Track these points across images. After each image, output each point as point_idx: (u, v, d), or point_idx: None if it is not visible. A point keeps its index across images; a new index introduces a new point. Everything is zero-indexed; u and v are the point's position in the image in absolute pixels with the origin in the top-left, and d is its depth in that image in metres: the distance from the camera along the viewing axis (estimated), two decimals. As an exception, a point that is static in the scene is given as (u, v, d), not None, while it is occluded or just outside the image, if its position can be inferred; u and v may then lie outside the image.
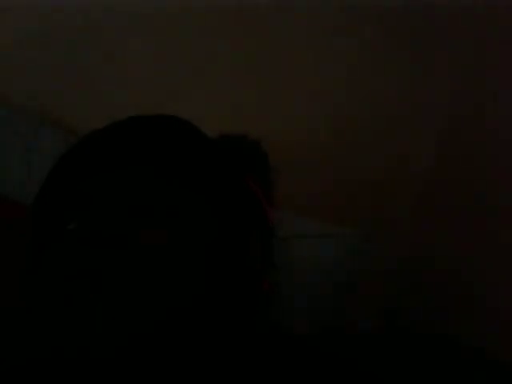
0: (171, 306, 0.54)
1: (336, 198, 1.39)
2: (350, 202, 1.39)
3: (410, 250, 1.45)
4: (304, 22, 1.40)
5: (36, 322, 0.58)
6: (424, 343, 1.27)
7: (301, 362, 0.71)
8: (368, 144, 1.43)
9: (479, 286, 1.34)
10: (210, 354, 0.57)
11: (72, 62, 1.31)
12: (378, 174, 1.43)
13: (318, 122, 1.40)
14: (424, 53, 1.44)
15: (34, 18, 1.28)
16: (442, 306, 1.39)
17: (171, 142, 0.61)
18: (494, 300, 1.30)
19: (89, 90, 1.32)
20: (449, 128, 1.46)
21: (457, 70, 1.43)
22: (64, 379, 0.56)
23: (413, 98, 1.45)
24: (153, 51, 1.35)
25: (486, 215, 1.35)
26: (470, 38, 1.40)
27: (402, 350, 1.20)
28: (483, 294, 1.32)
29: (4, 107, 1.25)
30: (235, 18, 1.35)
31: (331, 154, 1.41)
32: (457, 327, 1.34)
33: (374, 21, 1.40)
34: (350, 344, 1.06)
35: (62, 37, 1.30)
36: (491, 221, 1.34)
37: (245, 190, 0.64)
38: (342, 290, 1.17)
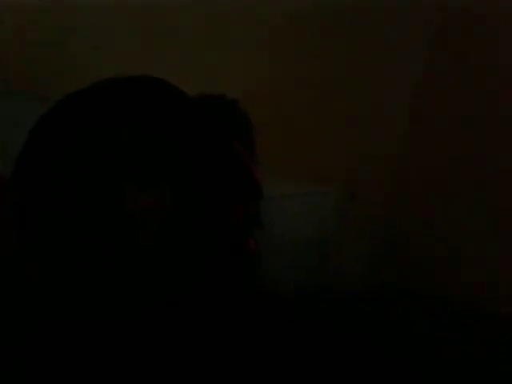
0: (156, 268, 0.55)
1: (321, 157, 1.39)
2: (334, 163, 1.40)
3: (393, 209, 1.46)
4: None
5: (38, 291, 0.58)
6: (405, 299, 1.26)
7: (286, 322, 0.71)
8: (350, 106, 1.44)
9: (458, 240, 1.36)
10: (198, 315, 0.58)
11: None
12: (359, 136, 1.44)
13: (303, 83, 1.40)
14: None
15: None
16: (425, 264, 1.41)
17: (156, 100, 0.61)
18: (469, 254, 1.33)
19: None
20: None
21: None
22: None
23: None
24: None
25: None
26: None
27: (385, 307, 1.19)
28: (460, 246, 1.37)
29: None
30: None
31: (317, 115, 1.41)
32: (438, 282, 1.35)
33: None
34: (334, 303, 1.06)
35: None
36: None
37: (230, 150, 0.64)
38: (327, 248, 1.17)
